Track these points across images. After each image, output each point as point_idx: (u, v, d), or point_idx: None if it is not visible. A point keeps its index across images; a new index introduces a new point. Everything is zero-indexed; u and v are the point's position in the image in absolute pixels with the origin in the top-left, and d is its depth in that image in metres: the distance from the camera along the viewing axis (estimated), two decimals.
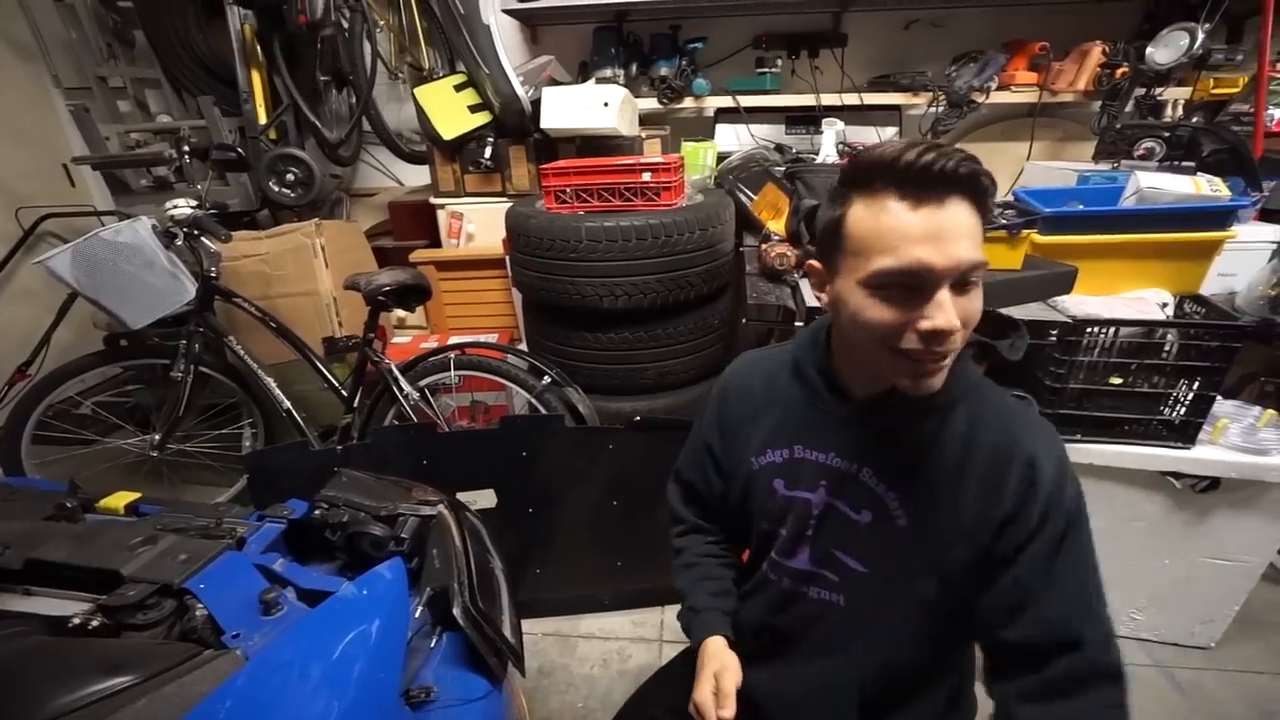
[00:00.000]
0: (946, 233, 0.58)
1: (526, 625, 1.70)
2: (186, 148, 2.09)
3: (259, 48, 2.28)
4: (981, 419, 0.70)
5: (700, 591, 0.91)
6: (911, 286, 0.60)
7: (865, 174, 0.61)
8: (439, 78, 2.33)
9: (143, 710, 0.54)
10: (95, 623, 0.66)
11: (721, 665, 0.80)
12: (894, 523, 0.71)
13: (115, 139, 2.54)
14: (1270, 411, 1.42)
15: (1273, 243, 1.75)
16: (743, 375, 0.87)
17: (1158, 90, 2.18)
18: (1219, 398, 1.40)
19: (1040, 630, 0.66)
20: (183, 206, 1.79)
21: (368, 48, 2.34)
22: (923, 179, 0.58)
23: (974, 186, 0.59)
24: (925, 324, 0.60)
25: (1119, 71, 2.15)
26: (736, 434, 0.85)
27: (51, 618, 0.69)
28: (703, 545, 0.96)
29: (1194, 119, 2.17)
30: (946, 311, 0.59)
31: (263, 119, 2.32)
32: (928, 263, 0.58)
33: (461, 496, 1.51)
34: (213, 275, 1.87)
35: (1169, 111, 2.27)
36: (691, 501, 0.97)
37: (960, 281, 0.60)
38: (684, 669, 0.93)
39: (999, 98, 2.32)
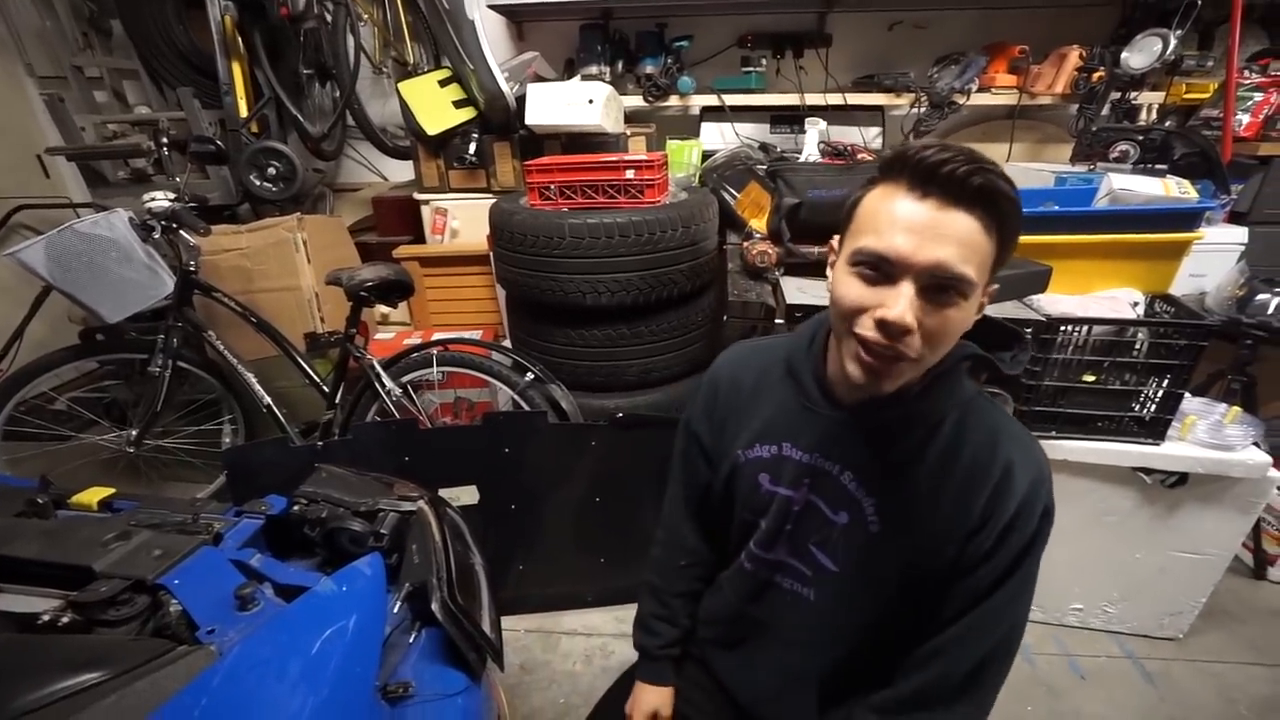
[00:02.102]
0: (933, 231, 0.57)
1: (509, 622, 1.70)
2: (165, 140, 2.06)
3: (240, 39, 2.25)
4: (969, 434, 0.69)
5: (647, 629, 0.95)
6: (885, 272, 0.60)
7: (895, 164, 0.61)
8: (423, 73, 2.31)
9: (112, 707, 0.53)
10: (65, 619, 0.65)
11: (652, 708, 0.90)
12: (867, 527, 0.72)
13: (91, 130, 2.49)
14: (1236, 409, 1.46)
15: (1241, 244, 1.80)
16: (733, 367, 0.87)
17: (1133, 94, 2.23)
18: (1187, 395, 1.44)
19: (944, 659, 0.70)
20: (161, 199, 1.76)
21: (351, 41, 2.31)
22: (933, 177, 0.57)
23: (984, 201, 0.57)
24: (880, 311, 0.60)
25: (1095, 75, 2.19)
26: (724, 425, 0.85)
27: (20, 615, 0.67)
28: (673, 564, 0.95)
29: (1166, 123, 2.22)
30: (902, 305, 0.58)
31: (244, 112, 2.29)
32: (903, 252, 0.58)
33: (444, 493, 1.51)
34: (191, 269, 1.84)
35: (1143, 115, 2.32)
36: (684, 502, 0.94)
37: (935, 287, 0.59)
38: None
39: (979, 99, 2.35)
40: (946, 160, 0.56)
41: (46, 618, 0.65)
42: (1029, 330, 1.39)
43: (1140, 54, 2.05)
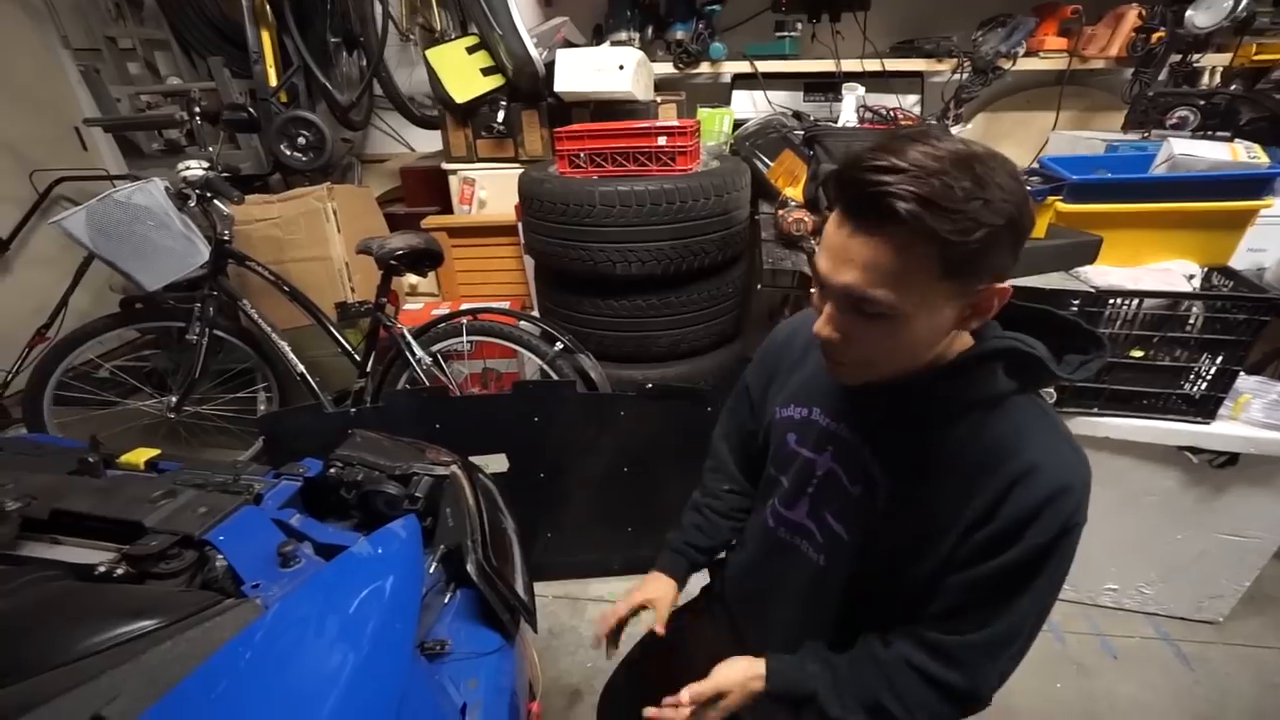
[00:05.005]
0: (844, 256, 0.59)
1: (537, 588, 1.72)
2: (197, 110, 2.07)
3: (268, 8, 2.24)
4: (990, 430, 0.66)
5: (681, 530, 1.00)
6: (821, 286, 0.64)
7: (835, 180, 0.61)
8: (451, 39, 2.28)
9: (169, 651, 0.55)
10: (120, 571, 0.68)
11: (654, 596, 0.94)
12: (877, 501, 0.72)
13: (126, 101, 2.52)
14: None
15: None
16: (792, 326, 0.91)
17: (1195, 56, 2.09)
18: (1242, 373, 1.38)
19: (948, 656, 0.68)
20: (195, 168, 1.78)
21: (378, 8, 2.29)
22: (844, 201, 0.59)
23: (891, 221, 0.54)
24: (814, 323, 0.65)
25: (1155, 36, 2.06)
26: (772, 381, 0.90)
27: (78, 565, 0.70)
28: (717, 487, 1.01)
29: (1233, 86, 2.09)
30: (823, 320, 0.64)
31: (273, 81, 2.29)
32: (823, 274, 0.62)
33: (474, 460, 1.52)
34: (226, 238, 1.87)
35: (1205, 79, 2.18)
36: (726, 438, 1.02)
37: (851, 305, 0.60)
38: (676, 632, 0.97)
39: (1026, 64, 2.23)
40: (857, 182, 0.55)
41: (102, 569, 0.68)
42: (1075, 303, 1.34)
43: (1207, 11, 1.92)
